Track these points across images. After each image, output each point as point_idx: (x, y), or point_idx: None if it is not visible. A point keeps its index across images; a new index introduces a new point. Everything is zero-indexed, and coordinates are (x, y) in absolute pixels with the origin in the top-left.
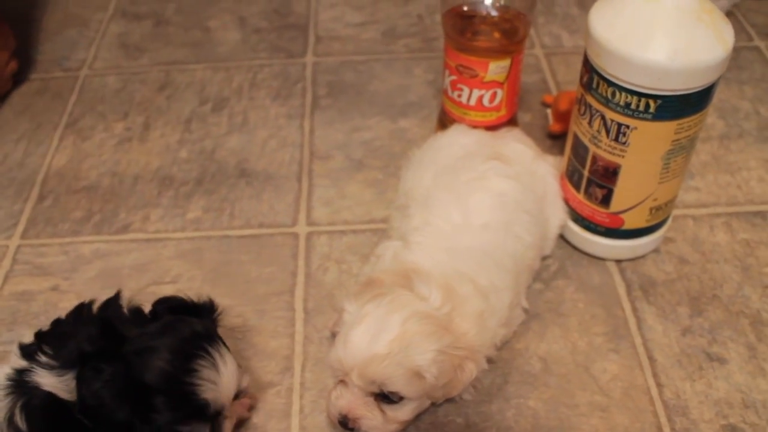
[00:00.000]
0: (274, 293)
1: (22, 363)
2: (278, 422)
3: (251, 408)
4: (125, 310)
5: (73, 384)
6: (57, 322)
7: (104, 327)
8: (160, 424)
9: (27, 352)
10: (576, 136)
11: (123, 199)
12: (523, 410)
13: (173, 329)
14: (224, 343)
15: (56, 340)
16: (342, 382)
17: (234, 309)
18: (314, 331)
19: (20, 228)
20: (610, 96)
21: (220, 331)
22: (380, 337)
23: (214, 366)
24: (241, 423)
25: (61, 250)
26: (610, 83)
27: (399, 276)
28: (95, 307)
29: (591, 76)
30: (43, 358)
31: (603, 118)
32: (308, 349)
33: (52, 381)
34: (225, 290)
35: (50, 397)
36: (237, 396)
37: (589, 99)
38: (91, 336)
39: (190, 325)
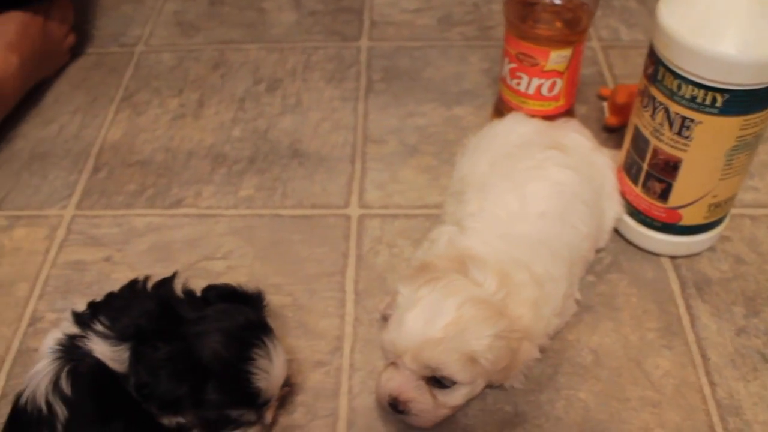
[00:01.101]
0: (324, 273)
1: (74, 329)
2: (326, 401)
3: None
4: (179, 292)
5: (125, 356)
6: (111, 296)
7: (161, 305)
8: (211, 406)
9: (80, 319)
10: (637, 129)
11: (176, 174)
12: (573, 402)
13: (231, 316)
14: (275, 333)
15: (112, 312)
16: (393, 364)
17: (284, 288)
18: (364, 312)
19: (75, 198)
20: (675, 88)
21: (271, 309)
22: (435, 321)
23: (268, 356)
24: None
25: (115, 222)
26: (676, 75)
27: (453, 261)
28: (149, 284)
29: (656, 67)
30: (98, 327)
31: (667, 111)
32: (358, 330)
33: (104, 350)
34: (276, 268)
35: (100, 365)
36: (283, 386)
37: (653, 91)
38: (149, 312)
39: (246, 314)
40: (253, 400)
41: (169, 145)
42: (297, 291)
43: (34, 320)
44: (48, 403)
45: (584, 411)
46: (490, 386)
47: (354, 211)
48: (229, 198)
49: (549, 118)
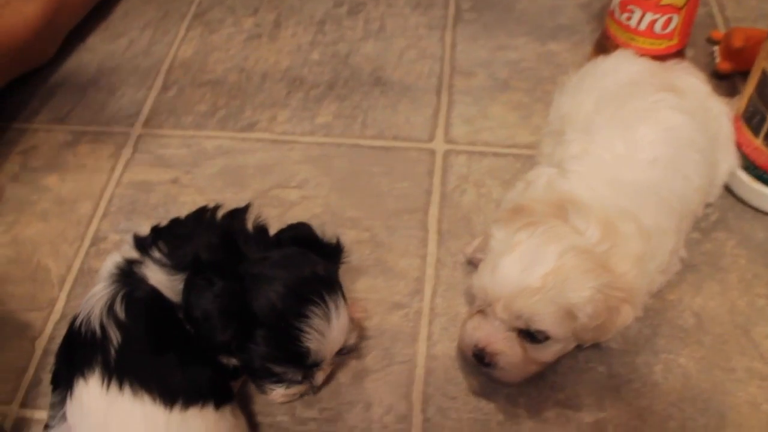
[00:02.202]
0: (406, 210)
1: (133, 254)
2: (404, 346)
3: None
4: (249, 226)
5: (180, 286)
6: (175, 222)
7: (225, 238)
8: (255, 357)
9: (141, 244)
10: (765, 75)
11: (250, 96)
12: (672, 367)
13: (295, 265)
14: (343, 293)
15: (173, 239)
16: (481, 312)
17: (362, 222)
18: (448, 254)
19: (142, 116)
20: None
21: (348, 252)
22: (533, 269)
23: (326, 316)
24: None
25: (184, 142)
26: None
27: (552, 206)
28: (219, 214)
29: None
30: (156, 254)
31: None
32: (440, 273)
33: (160, 278)
34: (353, 201)
35: (155, 293)
36: (341, 351)
37: None
38: (210, 244)
39: (313, 265)
40: (300, 359)
41: (243, 66)
42: (375, 227)
43: (97, 240)
44: (102, 327)
45: (684, 378)
46: (580, 347)
47: (439, 145)
48: (305, 124)
49: (659, 58)
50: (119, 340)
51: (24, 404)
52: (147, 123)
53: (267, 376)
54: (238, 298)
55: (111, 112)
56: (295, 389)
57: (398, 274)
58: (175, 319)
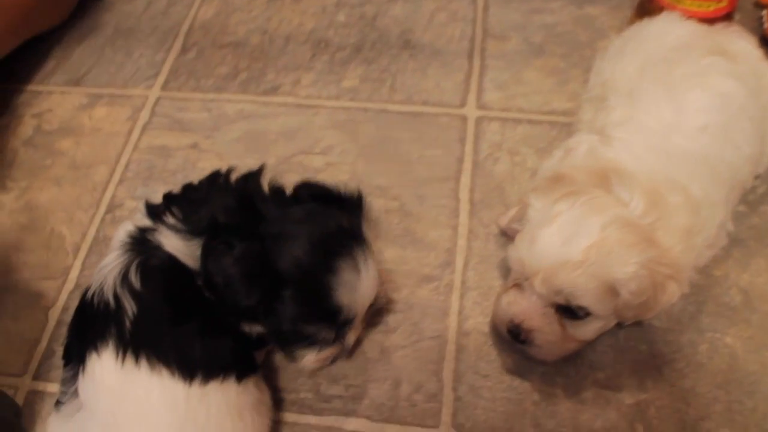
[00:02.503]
0: (436, 179)
1: (146, 222)
2: (434, 321)
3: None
4: (266, 187)
5: (198, 252)
6: (188, 187)
7: (242, 200)
8: (283, 319)
9: (154, 211)
10: None
11: (272, 59)
12: (718, 347)
13: (318, 219)
14: (370, 247)
15: (187, 204)
16: (517, 286)
17: (390, 191)
18: (480, 225)
19: (161, 79)
20: None
21: (372, 215)
22: (575, 242)
23: (356, 269)
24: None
25: (203, 106)
26: None
27: (594, 174)
28: (233, 177)
29: None
30: (170, 220)
31: None
32: (473, 245)
33: (176, 244)
34: (381, 169)
35: (171, 260)
36: (371, 306)
37: None
38: (227, 207)
39: (337, 219)
40: (332, 316)
41: (266, 27)
42: (405, 195)
43: (113, 207)
44: (116, 297)
45: (731, 359)
46: (620, 325)
47: (471, 111)
48: (330, 88)
49: (706, 21)
50: (135, 310)
51: (36, 377)
52: (165, 86)
53: (297, 341)
54: (260, 259)
55: (128, 74)
56: (327, 352)
57: (428, 245)
58: (194, 287)
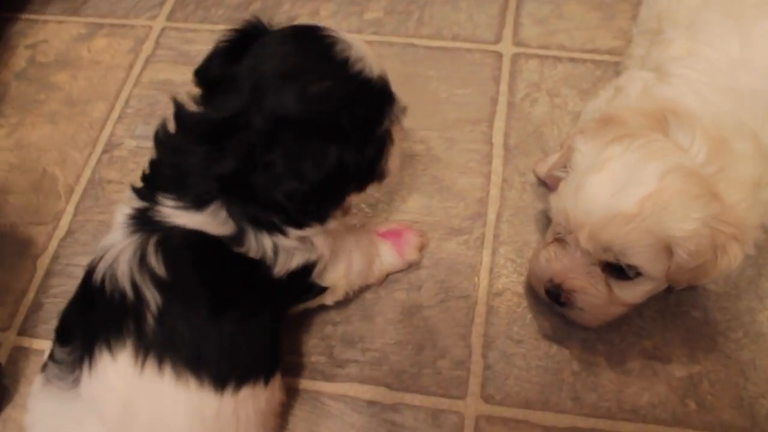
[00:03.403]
0: (468, 121)
1: (142, 203)
2: (463, 279)
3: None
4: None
5: (222, 215)
6: (155, 162)
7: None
8: (363, 125)
9: (144, 195)
10: None
11: None
12: None
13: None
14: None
15: (171, 183)
16: (559, 241)
17: (417, 133)
18: (515, 173)
19: (167, 8)
20: None
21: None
22: (629, 191)
23: (347, 43)
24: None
25: (212, 37)
26: None
27: (650, 116)
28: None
29: None
30: (168, 203)
31: None
32: (507, 195)
33: (195, 219)
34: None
35: (196, 234)
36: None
37: None
38: (205, 156)
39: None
40: (381, 94)
41: None
42: (432, 138)
43: (111, 146)
44: (134, 286)
45: None
46: (671, 288)
47: (507, 48)
48: (352, 20)
49: None
50: (159, 303)
51: (22, 332)
52: (171, 15)
53: (377, 152)
54: (308, 125)
55: (131, 2)
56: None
57: (457, 195)
58: (229, 258)
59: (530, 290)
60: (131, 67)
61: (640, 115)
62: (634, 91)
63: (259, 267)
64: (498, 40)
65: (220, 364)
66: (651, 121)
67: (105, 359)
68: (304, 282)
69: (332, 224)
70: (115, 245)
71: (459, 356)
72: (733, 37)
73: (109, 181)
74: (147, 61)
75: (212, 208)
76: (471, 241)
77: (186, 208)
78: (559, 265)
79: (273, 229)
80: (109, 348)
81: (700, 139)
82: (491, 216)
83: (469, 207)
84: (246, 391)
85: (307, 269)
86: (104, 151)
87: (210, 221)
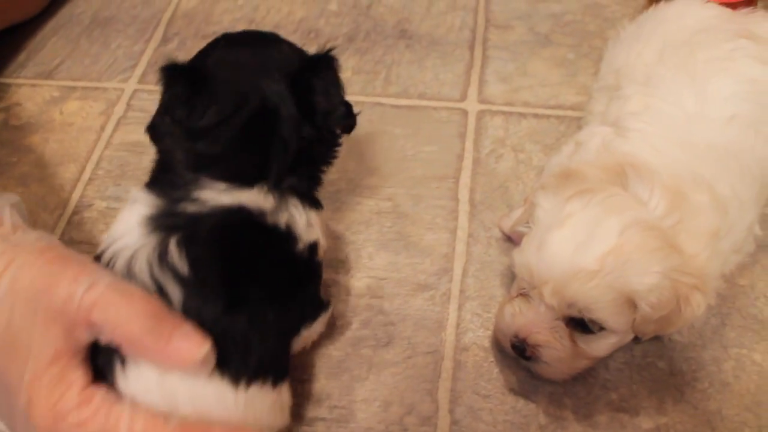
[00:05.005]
0: (434, 177)
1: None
2: (429, 335)
3: None
4: None
5: (270, 198)
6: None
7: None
8: None
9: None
10: None
11: None
12: (745, 364)
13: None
14: None
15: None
16: (523, 296)
17: (382, 191)
18: (481, 228)
19: (138, 71)
20: None
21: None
22: (590, 247)
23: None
24: None
25: None
26: None
27: (609, 170)
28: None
29: None
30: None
31: None
32: (472, 250)
33: (245, 196)
34: (374, 166)
35: (234, 216)
36: None
37: None
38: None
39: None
40: None
41: (253, 17)
42: (398, 195)
43: (81, 208)
44: (153, 278)
45: (760, 378)
46: (637, 339)
47: (472, 105)
48: None
49: (729, 5)
50: (181, 297)
51: None
52: (143, 78)
53: None
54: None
55: (104, 66)
56: None
57: (424, 251)
58: (260, 238)
59: (497, 344)
60: (102, 129)
61: (600, 170)
62: (593, 146)
63: (287, 242)
64: (463, 98)
65: (235, 360)
66: (610, 175)
67: (119, 376)
68: (314, 259)
69: None
70: (123, 248)
71: (426, 412)
72: (688, 92)
73: (79, 242)
74: (118, 123)
75: (259, 186)
76: (437, 296)
77: (235, 187)
78: (524, 319)
79: (305, 197)
80: (122, 362)
81: (658, 192)
82: (457, 271)
83: (436, 263)
84: (255, 388)
85: (313, 248)
86: (74, 213)
87: (255, 197)
